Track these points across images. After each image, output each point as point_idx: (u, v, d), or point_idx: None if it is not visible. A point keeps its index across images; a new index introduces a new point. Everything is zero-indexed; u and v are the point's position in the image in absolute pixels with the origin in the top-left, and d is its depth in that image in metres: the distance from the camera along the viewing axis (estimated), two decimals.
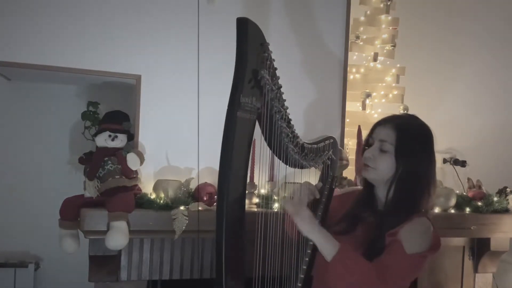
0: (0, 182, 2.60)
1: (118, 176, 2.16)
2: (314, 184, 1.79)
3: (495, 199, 2.71)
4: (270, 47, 1.54)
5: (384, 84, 2.84)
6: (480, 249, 2.76)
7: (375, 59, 2.81)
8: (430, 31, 3.16)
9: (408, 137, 1.56)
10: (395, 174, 1.56)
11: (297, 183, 2.07)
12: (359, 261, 1.44)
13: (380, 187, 1.63)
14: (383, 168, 1.57)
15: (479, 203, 2.67)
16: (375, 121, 1.67)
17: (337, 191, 2.33)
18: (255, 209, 2.25)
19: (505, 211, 2.71)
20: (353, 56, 2.84)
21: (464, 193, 2.81)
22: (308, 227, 1.48)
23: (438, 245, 1.56)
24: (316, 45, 2.66)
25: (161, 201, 2.13)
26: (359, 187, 2.30)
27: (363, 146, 1.68)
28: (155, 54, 2.37)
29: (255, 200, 2.34)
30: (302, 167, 1.72)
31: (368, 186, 1.67)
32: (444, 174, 3.02)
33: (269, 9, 2.56)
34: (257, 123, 1.56)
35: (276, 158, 1.68)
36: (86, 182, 2.16)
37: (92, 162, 2.17)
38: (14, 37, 2.19)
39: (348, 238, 1.58)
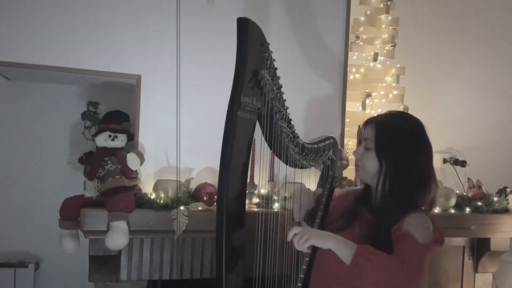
0: (0, 182, 2.60)
1: (118, 176, 2.16)
2: (313, 189, 1.80)
3: (495, 199, 2.71)
4: (271, 47, 1.54)
5: (384, 84, 2.84)
6: (480, 249, 2.76)
7: (375, 59, 2.81)
8: (430, 31, 3.16)
9: (387, 131, 1.57)
10: (380, 169, 1.56)
11: (297, 183, 2.07)
12: (382, 253, 1.43)
13: (372, 184, 1.63)
14: (368, 165, 1.58)
15: (479, 203, 2.67)
16: None
17: (337, 191, 2.34)
18: (255, 209, 2.24)
19: (505, 211, 2.71)
20: (353, 56, 2.84)
21: (464, 193, 2.81)
22: (320, 240, 1.48)
23: (442, 239, 1.56)
24: (316, 45, 2.66)
25: (161, 201, 2.13)
26: (357, 187, 2.31)
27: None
28: (155, 54, 2.37)
29: (255, 200, 2.34)
30: (302, 167, 1.72)
31: (366, 184, 1.68)
32: (444, 174, 3.02)
33: (269, 9, 2.56)
34: (257, 123, 1.57)
35: (276, 158, 1.69)
36: (86, 182, 2.16)
37: (92, 162, 2.17)
38: (14, 37, 2.19)
39: (346, 234, 1.57)
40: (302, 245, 1.48)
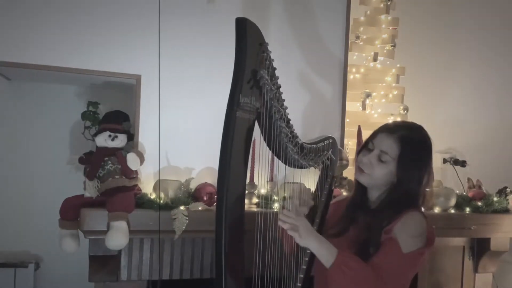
0: (0, 182, 2.60)
1: (118, 176, 2.16)
2: (313, 189, 1.80)
3: (495, 199, 2.71)
4: (270, 47, 1.54)
5: (384, 84, 2.84)
6: (480, 249, 2.76)
7: (375, 59, 2.81)
8: (430, 30, 3.16)
9: (410, 153, 1.56)
10: (391, 183, 1.58)
11: (297, 183, 2.07)
12: (358, 267, 1.44)
13: (373, 190, 1.64)
14: (379, 177, 1.58)
15: (479, 203, 2.67)
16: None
17: (337, 191, 2.34)
18: (255, 209, 2.24)
19: (505, 211, 2.71)
20: (353, 56, 2.83)
21: (464, 193, 2.81)
22: (304, 239, 1.46)
23: (433, 239, 1.57)
24: (316, 45, 2.66)
25: (161, 201, 2.13)
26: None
27: (361, 147, 1.68)
28: (155, 54, 2.36)
29: (255, 200, 2.34)
30: (301, 167, 1.72)
31: (361, 188, 1.67)
32: (444, 174, 3.02)
33: (269, 9, 2.56)
34: (256, 123, 1.57)
35: (276, 158, 1.69)
36: (86, 182, 2.16)
37: (92, 162, 2.17)
38: (14, 37, 2.20)
39: (342, 240, 1.58)
40: (287, 230, 1.47)
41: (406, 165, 1.55)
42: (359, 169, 1.63)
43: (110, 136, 2.19)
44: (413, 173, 1.56)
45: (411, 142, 1.57)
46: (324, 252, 1.45)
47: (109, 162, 2.17)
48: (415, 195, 1.58)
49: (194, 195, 2.23)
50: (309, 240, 1.46)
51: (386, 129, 1.61)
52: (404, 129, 1.61)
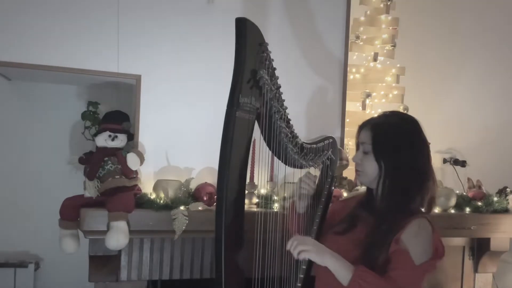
0: (0, 182, 2.60)
1: (118, 176, 2.16)
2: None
3: (495, 199, 2.70)
4: (270, 47, 1.54)
5: (384, 84, 2.84)
6: (480, 249, 2.76)
7: (375, 59, 2.81)
8: (430, 31, 3.16)
9: (383, 133, 1.56)
10: (379, 172, 1.55)
11: (297, 183, 2.08)
12: (376, 281, 1.42)
13: (373, 187, 1.63)
14: (368, 169, 1.57)
15: (479, 203, 2.67)
16: None
17: (337, 191, 2.34)
18: (255, 209, 2.25)
19: (505, 211, 2.70)
20: (353, 56, 2.84)
21: (464, 193, 2.81)
22: (318, 257, 1.45)
23: (443, 250, 1.56)
24: (316, 45, 2.66)
25: (161, 201, 2.13)
26: (358, 189, 2.31)
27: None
28: (155, 54, 2.37)
29: (255, 200, 2.34)
30: (301, 167, 1.73)
31: (368, 189, 1.67)
32: (444, 174, 3.02)
33: (268, 9, 2.56)
34: (256, 123, 1.57)
35: (276, 158, 1.69)
36: (86, 182, 2.16)
37: (92, 162, 2.17)
38: (14, 37, 2.20)
39: (346, 237, 1.58)
40: (299, 255, 1.46)
41: (381, 148, 1.54)
42: (355, 171, 1.64)
43: (110, 136, 2.20)
44: (392, 157, 1.53)
45: (383, 126, 1.57)
46: (341, 268, 1.44)
47: (109, 162, 2.17)
48: (412, 187, 1.54)
49: (194, 195, 2.23)
50: (325, 257, 1.45)
51: (362, 124, 1.63)
52: (377, 118, 1.63)
